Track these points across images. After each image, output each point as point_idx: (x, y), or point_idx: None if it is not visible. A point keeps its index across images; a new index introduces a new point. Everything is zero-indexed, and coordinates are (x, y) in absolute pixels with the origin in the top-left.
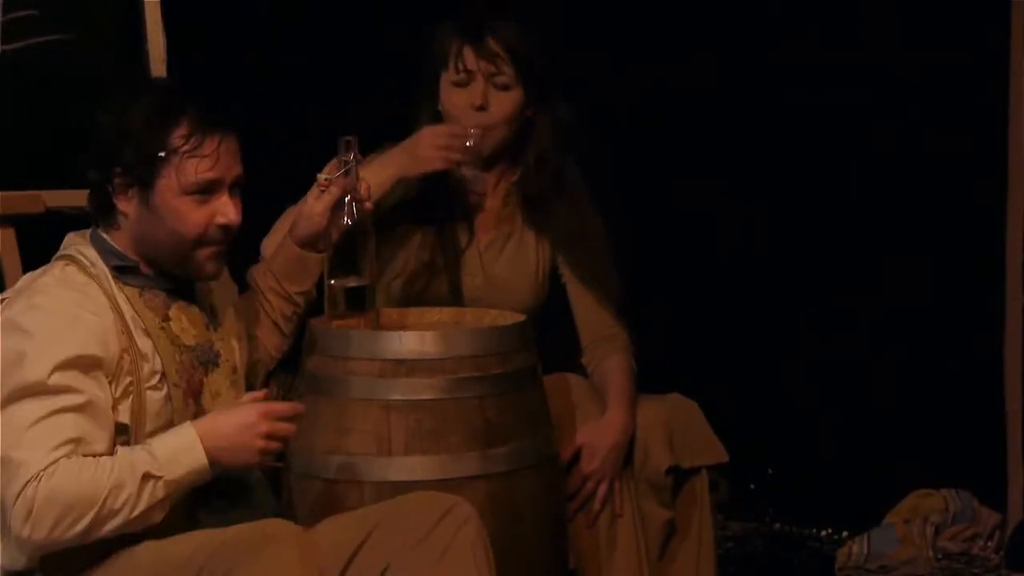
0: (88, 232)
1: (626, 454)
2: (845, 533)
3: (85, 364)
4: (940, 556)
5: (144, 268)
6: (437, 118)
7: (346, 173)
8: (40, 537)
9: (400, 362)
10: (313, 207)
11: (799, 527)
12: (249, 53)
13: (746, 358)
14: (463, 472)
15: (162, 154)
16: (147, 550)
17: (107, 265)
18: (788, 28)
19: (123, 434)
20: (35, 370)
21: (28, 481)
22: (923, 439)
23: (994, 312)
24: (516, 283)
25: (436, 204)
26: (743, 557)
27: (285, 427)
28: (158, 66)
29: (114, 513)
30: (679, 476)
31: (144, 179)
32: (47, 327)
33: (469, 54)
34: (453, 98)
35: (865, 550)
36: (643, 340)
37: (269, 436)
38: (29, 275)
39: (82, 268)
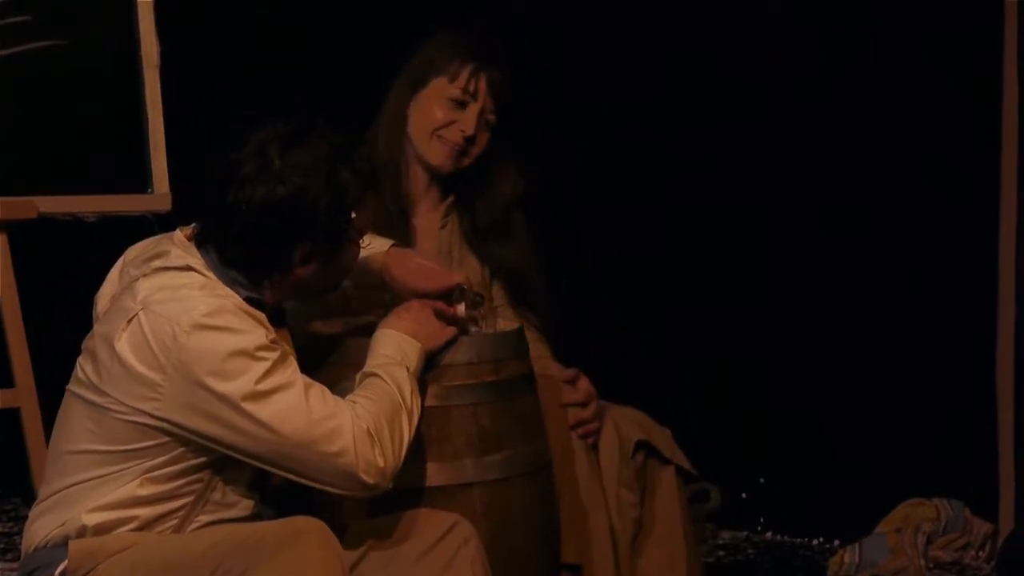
0: (200, 253)
1: (600, 427)
2: (837, 542)
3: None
4: (932, 565)
5: (268, 301)
6: (400, 124)
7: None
8: (391, 457)
9: None
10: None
11: (791, 536)
12: (243, 58)
13: (738, 367)
14: (457, 479)
15: (348, 226)
16: (162, 544)
17: (236, 294)
18: (787, 29)
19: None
20: (266, 357)
21: (351, 430)
22: (915, 448)
23: (987, 321)
24: None
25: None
26: (734, 566)
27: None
28: (152, 72)
29: (411, 409)
30: (650, 470)
31: (332, 252)
32: (241, 319)
33: (483, 80)
34: (445, 112)
35: (856, 559)
36: (636, 351)
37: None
38: (155, 284)
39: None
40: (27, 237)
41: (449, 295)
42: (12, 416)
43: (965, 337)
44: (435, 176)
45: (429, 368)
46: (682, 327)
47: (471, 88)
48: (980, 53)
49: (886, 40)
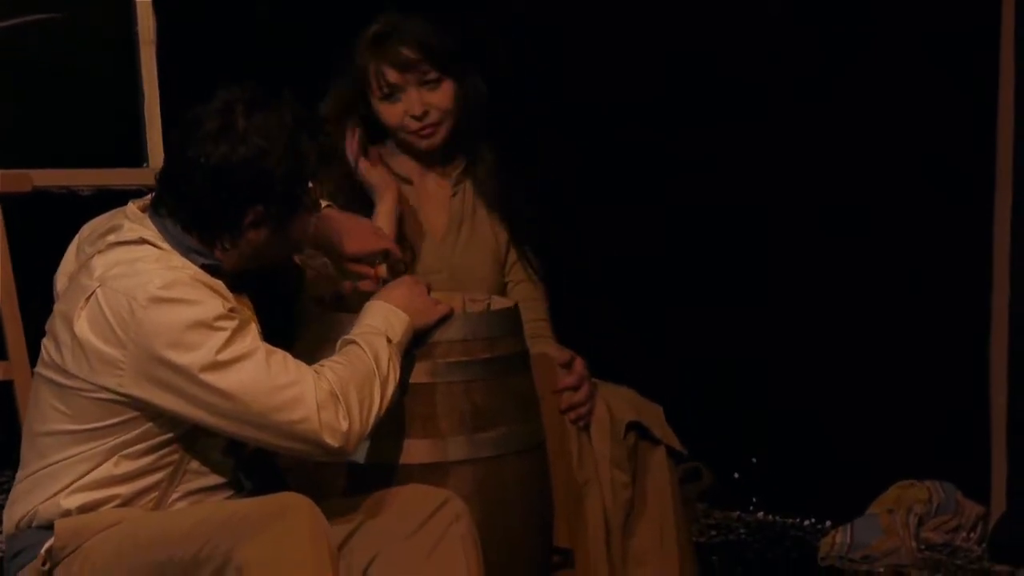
0: (154, 223)
1: (592, 409)
2: (828, 523)
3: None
4: (923, 547)
5: (225, 267)
6: (377, 131)
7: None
8: (357, 421)
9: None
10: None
11: (782, 516)
12: (239, 35)
13: (732, 348)
14: (450, 456)
15: (304, 195)
16: (148, 520)
17: (192, 263)
18: (787, 29)
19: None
20: (224, 327)
21: (314, 395)
22: (907, 430)
23: (980, 303)
24: (479, 267)
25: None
26: (726, 546)
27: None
28: (147, 46)
29: (386, 378)
30: (641, 451)
31: (284, 219)
32: (198, 290)
33: (388, 70)
34: (389, 113)
35: (848, 540)
36: (630, 331)
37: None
38: (110, 260)
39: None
40: (22, 210)
41: (373, 257)
42: (6, 389)
43: (960, 323)
44: (441, 156)
45: (422, 344)
46: (678, 309)
47: (385, 82)
48: (980, 53)
49: (886, 40)
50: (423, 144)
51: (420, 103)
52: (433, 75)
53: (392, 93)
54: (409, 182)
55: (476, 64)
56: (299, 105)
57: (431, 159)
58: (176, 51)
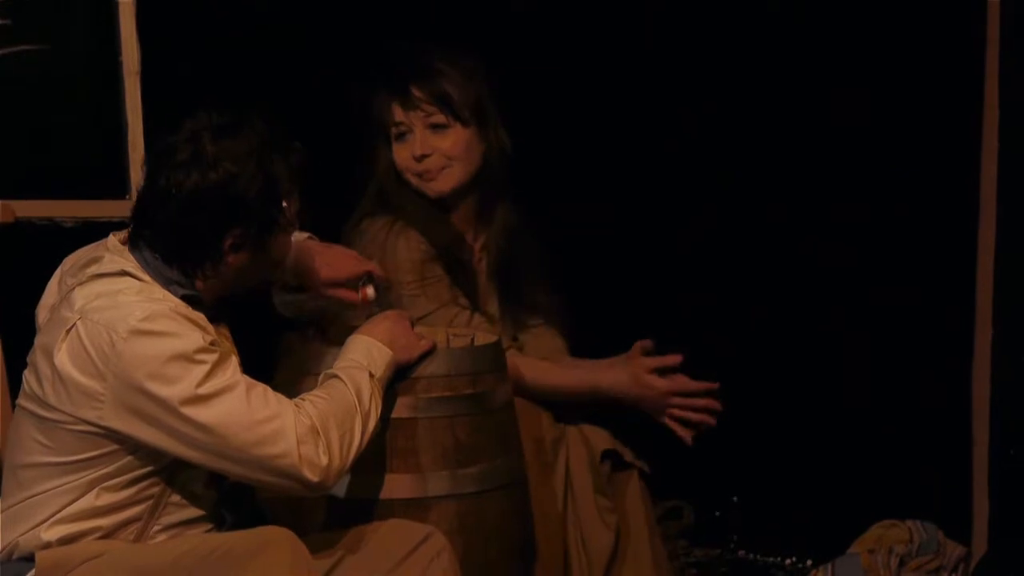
0: (134, 256)
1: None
2: (809, 562)
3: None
4: None
5: (206, 298)
6: (395, 175)
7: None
8: (336, 456)
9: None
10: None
11: (763, 555)
12: (224, 65)
13: (729, 348)
14: (432, 492)
15: (279, 215)
16: (131, 553)
17: (173, 295)
18: (787, 29)
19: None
20: (205, 360)
21: (294, 430)
22: (889, 469)
23: (963, 342)
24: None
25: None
26: None
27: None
28: (132, 77)
29: (367, 413)
30: (616, 480)
31: (263, 239)
32: (178, 323)
33: (397, 109)
34: (398, 154)
35: None
36: (630, 330)
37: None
38: (91, 292)
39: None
40: (4, 241)
41: (356, 281)
42: None
43: (940, 357)
44: (452, 205)
45: (404, 379)
46: (682, 326)
47: (393, 120)
48: (960, 60)
49: (886, 40)
50: (428, 189)
51: (423, 144)
52: (440, 119)
53: (401, 133)
54: (464, 242)
55: (500, 116)
56: (268, 125)
57: (462, 222)
58: (161, 82)
